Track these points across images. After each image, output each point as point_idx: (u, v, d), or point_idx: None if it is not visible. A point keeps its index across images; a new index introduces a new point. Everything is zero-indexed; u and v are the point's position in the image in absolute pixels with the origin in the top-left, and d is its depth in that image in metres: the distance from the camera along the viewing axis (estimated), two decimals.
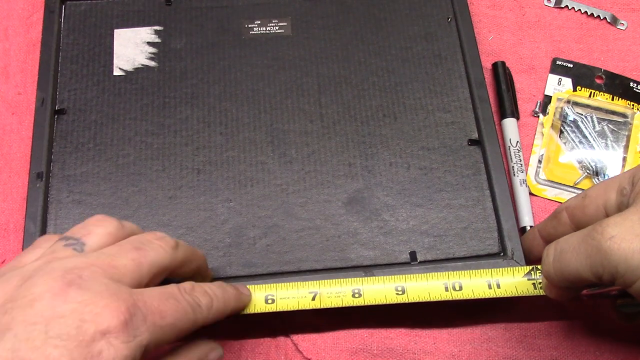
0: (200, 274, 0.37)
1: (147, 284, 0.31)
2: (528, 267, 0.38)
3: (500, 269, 0.38)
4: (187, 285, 0.33)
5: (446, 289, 0.38)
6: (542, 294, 0.37)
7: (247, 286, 0.38)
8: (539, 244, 0.39)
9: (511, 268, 0.38)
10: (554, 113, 0.49)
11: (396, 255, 0.41)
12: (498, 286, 0.38)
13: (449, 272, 0.38)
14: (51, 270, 0.29)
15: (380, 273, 0.40)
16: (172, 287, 0.32)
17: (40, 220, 0.41)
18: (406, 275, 0.38)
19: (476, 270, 0.38)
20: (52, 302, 0.27)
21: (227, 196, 0.43)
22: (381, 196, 0.43)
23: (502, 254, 0.41)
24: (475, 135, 0.45)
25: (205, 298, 0.33)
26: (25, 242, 0.40)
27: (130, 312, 0.28)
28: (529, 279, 0.38)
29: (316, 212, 0.42)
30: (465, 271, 0.38)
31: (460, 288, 0.38)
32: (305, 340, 0.40)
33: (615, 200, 0.33)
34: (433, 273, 0.38)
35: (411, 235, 0.42)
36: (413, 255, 0.41)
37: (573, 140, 0.48)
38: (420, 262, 0.41)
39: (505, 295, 0.37)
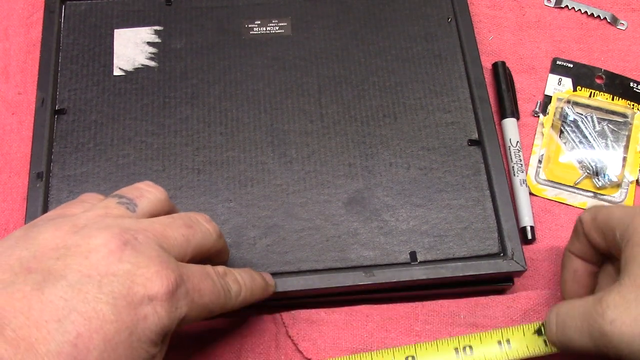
0: None
1: (188, 262, 0.32)
2: (537, 323, 0.37)
3: (510, 328, 0.37)
4: (220, 269, 0.33)
5: (457, 352, 0.37)
6: (554, 351, 0.36)
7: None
8: (576, 274, 0.38)
9: (520, 326, 0.37)
10: (554, 113, 0.49)
11: (396, 256, 0.41)
12: (509, 345, 0.37)
13: (459, 337, 0.37)
14: (107, 226, 0.29)
15: (381, 273, 0.40)
16: (209, 268, 0.32)
17: None
18: (416, 345, 0.37)
19: (485, 332, 0.37)
20: (107, 257, 0.27)
21: (227, 196, 0.43)
22: (381, 196, 0.43)
23: (502, 254, 0.41)
24: (475, 136, 0.45)
25: (235, 285, 0.34)
26: None
27: (177, 282, 0.29)
28: (539, 335, 0.37)
29: (316, 212, 0.42)
30: (475, 334, 0.37)
31: (472, 351, 0.37)
32: (305, 340, 0.40)
33: (613, 239, 0.34)
34: (442, 340, 0.37)
35: (411, 235, 0.42)
36: (413, 255, 0.41)
37: (573, 140, 0.48)
38: (420, 262, 0.41)
39: (518, 357, 0.36)
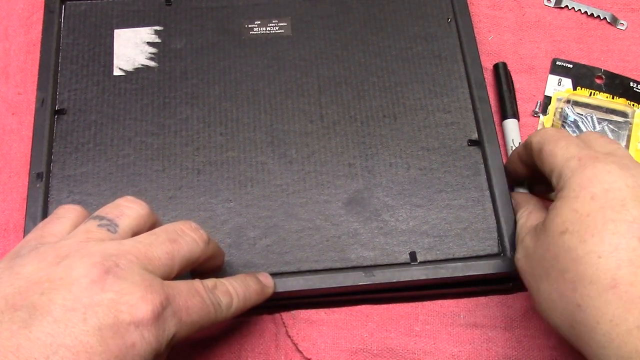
0: (217, 271, 0.38)
1: (176, 276, 0.32)
2: None
3: None
4: (210, 282, 0.33)
5: None
6: None
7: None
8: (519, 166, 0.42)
9: None
10: (554, 113, 0.49)
11: (396, 256, 0.41)
12: None
13: None
14: (88, 253, 0.29)
15: (381, 273, 0.40)
16: (197, 284, 0.32)
17: (40, 220, 0.41)
18: None
19: None
20: (90, 288, 0.28)
21: (227, 196, 0.43)
22: (381, 197, 0.43)
23: (501, 254, 0.41)
24: (475, 136, 0.45)
25: (226, 298, 0.33)
26: None
27: (162, 305, 0.29)
28: None
29: (316, 212, 0.42)
30: None
31: None
32: (305, 340, 0.40)
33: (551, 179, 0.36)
34: None
35: (411, 235, 0.42)
36: (413, 255, 0.41)
37: None
38: (420, 262, 0.41)
39: None
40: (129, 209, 0.33)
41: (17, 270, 0.29)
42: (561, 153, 0.35)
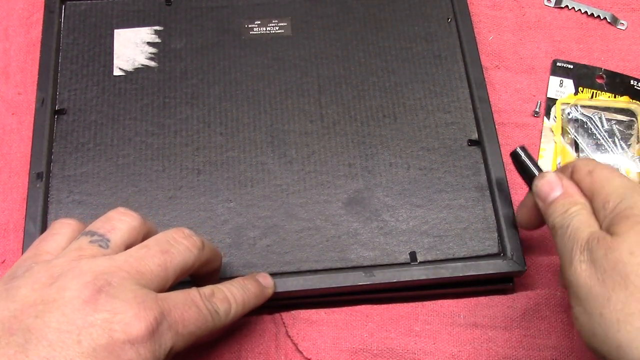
0: (215, 274, 0.37)
1: (172, 285, 0.32)
2: None
3: None
4: (207, 290, 0.33)
5: None
6: None
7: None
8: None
9: None
10: (562, 119, 0.49)
11: (396, 256, 0.41)
12: None
13: None
14: (80, 273, 0.29)
15: (381, 273, 0.40)
16: (194, 293, 0.32)
17: (40, 220, 0.41)
18: None
19: None
20: (83, 309, 0.28)
21: (227, 196, 0.43)
22: (381, 197, 0.43)
23: (501, 254, 0.41)
24: (475, 136, 0.45)
25: (224, 305, 0.33)
26: (25, 242, 0.40)
27: (157, 320, 0.29)
28: None
29: (316, 212, 0.42)
30: None
31: None
32: (305, 340, 0.40)
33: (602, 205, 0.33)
34: None
35: (411, 235, 0.42)
36: (413, 255, 0.41)
37: (586, 145, 0.48)
38: (420, 262, 0.41)
39: None
40: (120, 222, 0.32)
41: (13, 292, 0.28)
42: (619, 180, 0.33)
